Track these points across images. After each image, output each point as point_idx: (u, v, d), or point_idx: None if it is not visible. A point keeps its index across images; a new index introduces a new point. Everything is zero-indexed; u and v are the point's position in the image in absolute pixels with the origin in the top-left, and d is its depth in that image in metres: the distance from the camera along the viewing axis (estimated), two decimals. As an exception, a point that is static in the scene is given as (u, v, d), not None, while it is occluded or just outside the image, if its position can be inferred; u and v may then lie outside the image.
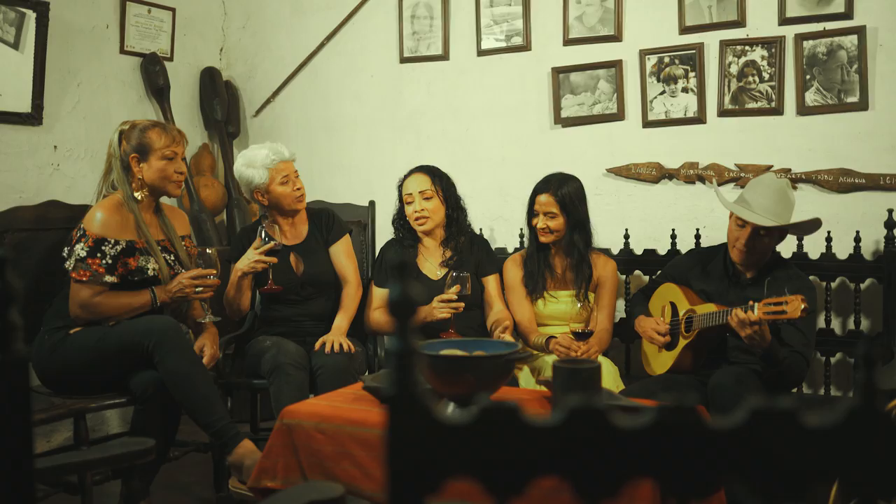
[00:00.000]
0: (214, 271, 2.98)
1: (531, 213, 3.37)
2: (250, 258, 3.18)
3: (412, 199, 3.42)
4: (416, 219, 3.42)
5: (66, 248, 2.98)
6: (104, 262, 2.91)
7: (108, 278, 2.91)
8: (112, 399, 2.89)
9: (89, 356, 2.84)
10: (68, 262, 2.92)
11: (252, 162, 3.32)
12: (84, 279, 2.88)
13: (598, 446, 0.82)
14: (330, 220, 3.48)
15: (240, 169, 3.36)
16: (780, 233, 2.99)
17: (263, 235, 3.18)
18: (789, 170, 3.49)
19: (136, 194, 3.02)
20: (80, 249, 2.90)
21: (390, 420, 0.83)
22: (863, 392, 0.81)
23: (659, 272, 3.45)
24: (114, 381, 2.88)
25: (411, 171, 3.50)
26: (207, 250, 3.01)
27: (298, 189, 3.37)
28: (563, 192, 3.30)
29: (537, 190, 3.36)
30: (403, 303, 0.83)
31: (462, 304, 3.15)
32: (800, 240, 3.37)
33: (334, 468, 2.25)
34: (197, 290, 2.97)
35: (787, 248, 3.37)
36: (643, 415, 0.81)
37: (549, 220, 3.30)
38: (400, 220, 3.53)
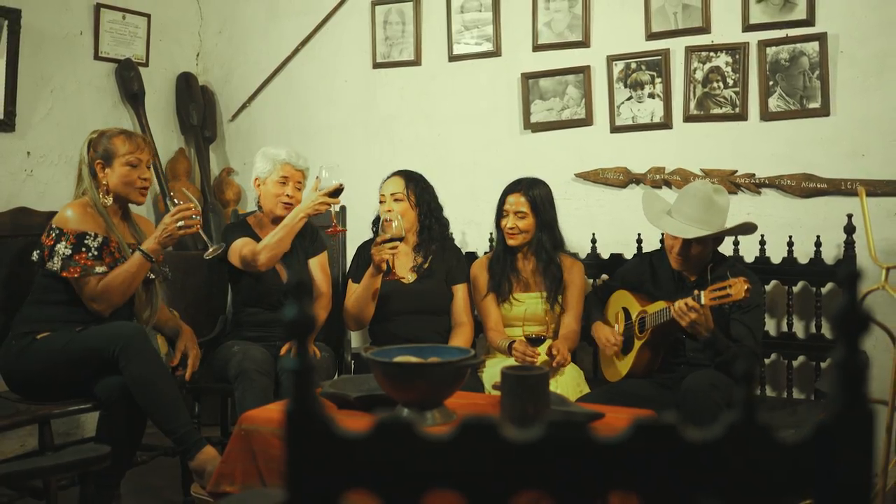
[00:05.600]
0: (192, 204, 2.99)
1: (500, 215, 3.41)
2: (314, 199, 3.17)
3: (384, 200, 3.51)
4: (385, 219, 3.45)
5: (35, 252, 2.99)
6: (91, 254, 2.94)
7: (100, 268, 2.94)
8: (77, 405, 2.91)
9: (55, 361, 2.85)
10: (51, 264, 2.91)
11: (266, 153, 3.47)
12: (77, 275, 2.91)
13: (491, 459, 0.85)
14: (313, 234, 3.54)
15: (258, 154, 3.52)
16: (713, 238, 3.03)
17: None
18: (753, 174, 3.53)
19: (102, 199, 3.05)
20: (63, 248, 2.92)
21: (288, 436, 0.87)
22: (743, 406, 0.84)
23: (607, 277, 3.55)
24: (81, 386, 2.90)
25: (390, 175, 3.58)
26: (183, 191, 3.00)
27: (289, 196, 3.39)
28: (534, 193, 3.36)
29: (507, 191, 3.41)
30: (300, 322, 0.86)
31: (398, 244, 3.21)
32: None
33: (292, 473, 2.27)
34: (180, 225, 2.94)
35: (749, 252, 3.42)
36: (535, 429, 0.84)
37: (519, 219, 3.34)
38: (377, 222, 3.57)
